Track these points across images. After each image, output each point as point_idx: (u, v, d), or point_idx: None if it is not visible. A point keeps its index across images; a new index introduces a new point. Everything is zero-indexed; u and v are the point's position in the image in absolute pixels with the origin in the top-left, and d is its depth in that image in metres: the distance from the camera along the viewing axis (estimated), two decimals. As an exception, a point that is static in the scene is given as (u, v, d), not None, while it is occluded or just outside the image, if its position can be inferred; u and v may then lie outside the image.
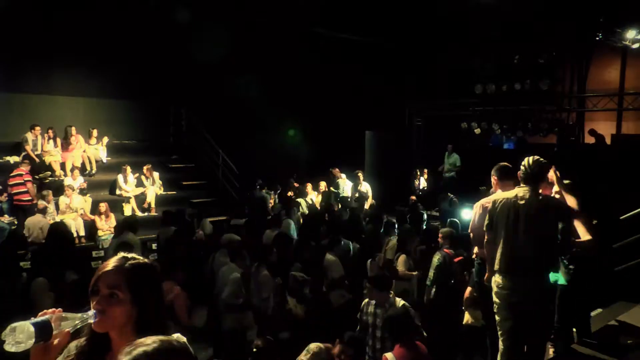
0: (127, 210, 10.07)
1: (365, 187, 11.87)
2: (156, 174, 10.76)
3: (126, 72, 10.97)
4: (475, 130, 13.49)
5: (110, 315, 1.56)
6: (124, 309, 1.57)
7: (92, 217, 9.26)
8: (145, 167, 10.59)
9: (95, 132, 10.78)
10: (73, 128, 10.37)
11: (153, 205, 10.39)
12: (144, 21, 10.54)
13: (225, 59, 11.59)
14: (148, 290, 1.63)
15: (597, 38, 12.99)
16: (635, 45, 12.41)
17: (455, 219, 7.96)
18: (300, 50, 12.87)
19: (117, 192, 10.33)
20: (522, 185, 3.66)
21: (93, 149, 10.71)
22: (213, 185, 12.00)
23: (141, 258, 1.70)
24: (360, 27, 12.96)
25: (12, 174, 8.73)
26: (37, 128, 10.03)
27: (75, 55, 10.45)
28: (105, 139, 10.96)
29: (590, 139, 15.08)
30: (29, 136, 9.94)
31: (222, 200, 11.55)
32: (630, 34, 12.10)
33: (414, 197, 12.65)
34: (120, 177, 10.28)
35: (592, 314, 6.35)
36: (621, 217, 7.99)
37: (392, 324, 3.88)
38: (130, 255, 1.68)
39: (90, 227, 9.15)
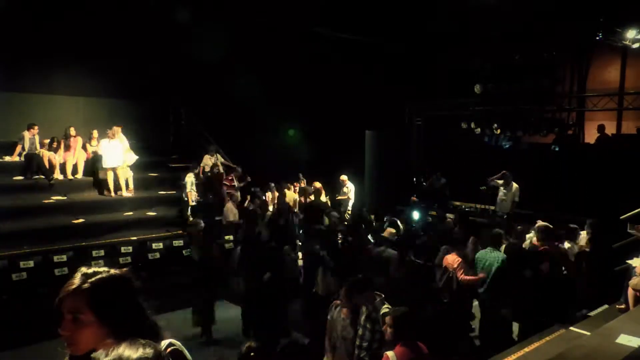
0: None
1: (348, 188, 11.82)
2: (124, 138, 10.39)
3: (126, 72, 10.97)
4: (476, 130, 13.50)
5: (78, 341, 1.44)
6: (91, 331, 1.44)
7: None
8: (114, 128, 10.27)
9: (95, 133, 10.75)
10: (72, 129, 10.35)
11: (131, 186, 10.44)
12: (144, 21, 10.53)
13: (225, 58, 11.59)
14: (116, 307, 1.48)
15: (597, 38, 12.99)
16: (635, 45, 12.40)
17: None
18: (300, 50, 12.87)
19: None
20: None
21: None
22: (213, 184, 11.98)
23: (104, 271, 1.55)
24: (360, 27, 12.95)
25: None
26: (36, 127, 9.98)
27: (75, 55, 10.45)
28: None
29: (590, 139, 15.10)
30: (26, 135, 9.91)
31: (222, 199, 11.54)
32: (630, 33, 12.10)
33: (414, 198, 12.68)
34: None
35: (592, 313, 6.37)
36: (621, 217, 8.00)
37: (395, 323, 3.88)
38: (91, 270, 1.53)
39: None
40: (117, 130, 10.19)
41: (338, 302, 4.66)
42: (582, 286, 6.76)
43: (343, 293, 4.46)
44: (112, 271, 1.56)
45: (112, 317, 1.47)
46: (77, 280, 1.49)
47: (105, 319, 1.45)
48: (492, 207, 12.12)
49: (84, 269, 1.54)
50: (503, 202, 10.82)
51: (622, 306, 5.93)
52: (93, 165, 10.36)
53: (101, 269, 1.55)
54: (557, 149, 13.48)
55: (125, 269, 1.63)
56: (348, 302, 4.42)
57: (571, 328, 5.72)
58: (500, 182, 10.87)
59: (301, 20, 12.23)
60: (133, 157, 10.40)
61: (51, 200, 9.54)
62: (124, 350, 1.24)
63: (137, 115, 11.83)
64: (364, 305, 4.36)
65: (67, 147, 10.24)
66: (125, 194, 10.26)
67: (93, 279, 1.49)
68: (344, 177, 12.00)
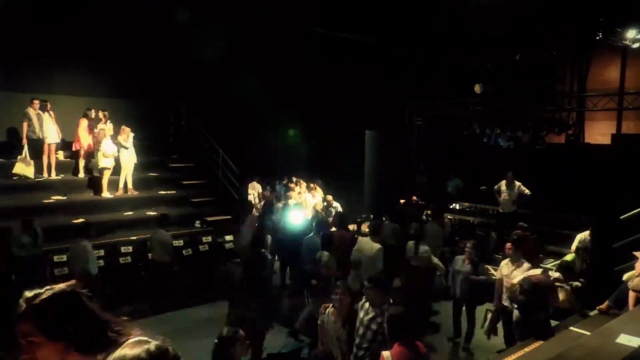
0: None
1: (334, 207, 11.78)
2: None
3: (126, 71, 10.96)
4: (476, 131, 13.53)
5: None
6: (48, 350, 1.50)
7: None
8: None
9: (100, 114, 10.59)
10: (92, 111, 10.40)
11: (130, 185, 10.44)
12: (144, 21, 10.53)
13: (225, 58, 11.59)
14: (64, 322, 1.52)
15: (597, 38, 13.00)
16: (635, 45, 12.42)
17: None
18: (300, 50, 12.87)
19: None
20: None
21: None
22: (213, 184, 12.00)
23: (47, 290, 1.57)
24: (360, 27, 12.96)
25: None
26: (36, 102, 9.41)
27: (75, 55, 10.44)
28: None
29: (590, 139, 15.11)
30: (31, 112, 9.41)
31: (222, 199, 11.56)
32: (631, 33, 12.12)
33: (414, 197, 12.67)
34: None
35: (592, 313, 6.37)
36: (621, 217, 8.00)
37: (391, 323, 3.87)
38: (32, 293, 1.57)
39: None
40: (127, 130, 10.24)
41: (327, 305, 4.69)
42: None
43: (342, 286, 4.52)
44: (57, 288, 1.59)
45: (64, 333, 1.51)
46: (21, 305, 1.54)
47: (55, 337, 1.51)
48: (492, 207, 12.14)
49: (26, 293, 1.57)
50: (506, 202, 10.82)
51: (603, 306, 5.91)
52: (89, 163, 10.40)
53: (43, 290, 1.58)
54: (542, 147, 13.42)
55: (71, 282, 1.64)
56: (347, 297, 4.44)
57: (571, 328, 5.71)
58: (503, 183, 10.88)
59: (301, 20, 12.24)
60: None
61: (51, 200, 9.53)
62: (126, 350, 1.30)
63: (137, 115, 11.83)
64: (372, 306, 4.35)
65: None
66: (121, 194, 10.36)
67: (35, 301, 1.53)
68: (329, 198, 11.90)
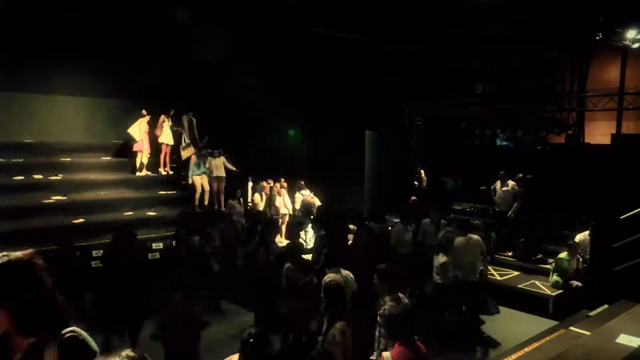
0: None
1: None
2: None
3: (126, 72, 10.96)
4: (475, 130, 13.55)
5: None
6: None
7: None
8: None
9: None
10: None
11: None
12: (144, 21, 10.53)
13: (225, 58, 11.59)
14: (12, 293, 1.50)
15: (597, 38, 13.00)
16: (636, 45, 12.42)
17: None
18: (300, 50, 12.87)
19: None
20: None
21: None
22: (213, 185, 11.99)
23: (3, 255, 1.56)
24: (360, 27, 12.96)
25: None
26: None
27: (75, 55, 10.44)
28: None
29: (590, 139, 15.11)
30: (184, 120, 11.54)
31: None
32: (631, 33, 12.12)
33: (414, 197, 12.66)
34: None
35: (592, 313, 6.37)
36: (621, 217, 8.00)
37: (389, 323, 3.80)
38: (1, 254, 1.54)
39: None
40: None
41: None
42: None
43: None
44: (13, 255, 1.56)
45: (9, 301, 1.50)
46: None
47: (5, 303, 1.50)
48: (491, 207, 12.14)
49: None
50: (502, 201, 10.85)
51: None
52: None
53: (9, 254, 1.56)
54: (544, 147, 13.44)
55: (30, 250, 1.60)
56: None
57: (571, 328, 5.72)
58: (498, 183, 10.92)
59: (301, 20, 12.23)
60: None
61: (51, 200, 9.53)
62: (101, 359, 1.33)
63: (137, 115, 11.83)
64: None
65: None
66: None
67: None
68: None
